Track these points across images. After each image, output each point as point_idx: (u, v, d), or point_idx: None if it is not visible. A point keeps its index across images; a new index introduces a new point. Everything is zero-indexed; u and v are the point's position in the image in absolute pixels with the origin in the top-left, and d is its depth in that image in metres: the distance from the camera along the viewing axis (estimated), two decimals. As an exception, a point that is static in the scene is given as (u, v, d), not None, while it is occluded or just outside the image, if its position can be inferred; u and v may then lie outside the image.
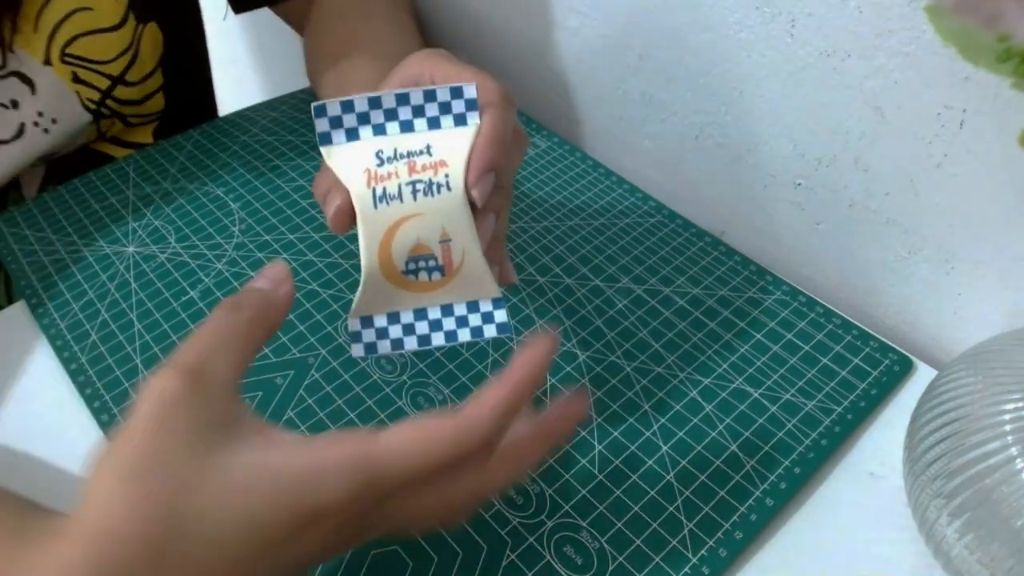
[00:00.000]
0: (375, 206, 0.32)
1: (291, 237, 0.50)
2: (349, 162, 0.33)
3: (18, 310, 0.47)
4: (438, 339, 0.33)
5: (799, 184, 0.49)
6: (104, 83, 0.55)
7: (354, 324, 0.34)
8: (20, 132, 0.52)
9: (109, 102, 0.56)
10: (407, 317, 0.34)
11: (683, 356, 0.44)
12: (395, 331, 0.34)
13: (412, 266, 0.33)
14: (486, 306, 0.34)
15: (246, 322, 0.29)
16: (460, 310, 0.34)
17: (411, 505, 0.28)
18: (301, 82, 0.65)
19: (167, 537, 0.25)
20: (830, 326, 0.46)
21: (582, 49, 0.57)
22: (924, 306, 0.47)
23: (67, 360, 0.43)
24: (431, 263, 0.33)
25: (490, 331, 0.34)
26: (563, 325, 0.45)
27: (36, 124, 0.53)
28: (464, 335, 0.34)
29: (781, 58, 0.45)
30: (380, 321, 0.34)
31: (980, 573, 0.31)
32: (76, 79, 0.54)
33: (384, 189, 0.32)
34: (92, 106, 0.56)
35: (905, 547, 0.37)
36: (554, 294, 0.47)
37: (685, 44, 0.50)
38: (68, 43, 0.52)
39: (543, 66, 0.62)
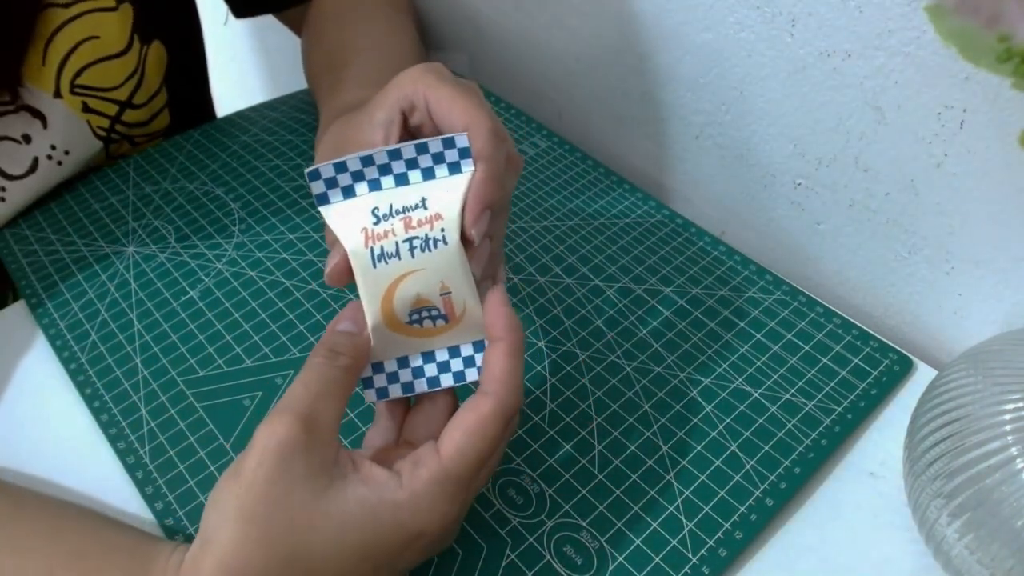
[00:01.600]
0: (374, 265, 0.33)
1: (291, 237, 0.50)
2: (346, 221, 0.33)
3: (18, 310, 0.47)
4: (447, 380, 0.34)
5: (799, 184, 0.49)
6: (113, 109, 0.55)
7: (365, 371, 0.34)
8: (34, 167, 0.51)
9: (118, 127, 0.56)
10: (416, 361, 0.34)
11: (683, 356, 0.44)
12: (405, 375, 0.34)
13: (415, 316, 0.34)
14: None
15: (344, 369, 0.31)
16: (467, 350, 0.34)
17: (484, 476, 0.33)
18: (302, 82, 0.65)
19: (288, 574, 0.28)
20: (830, 326, 0.46)
21: (582, 49, 0.57)
22: (924, 306, 0.47)
23: (67, 360, 0.43)
24: (434, 312, 0.34)
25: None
26: (563, 325, 0.45)
27: (49, 157, 0.52)
28: (472, 375, 0.34)
29: (781, 58, 0.45)
30: (390, 366, 0.34)
31: (980, 573, 0.31)
32: (86, 108, 0.53)
33: (382, 248, 0.33)
34: (103, 133, 0.55)
35: (905, 547, 0.37)
36: (554, 294, 0.47)
37: (685, 44, 0.50)
38: (77, 74, 0.52)
39: (543, 66, 0.62)
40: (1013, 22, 0.35)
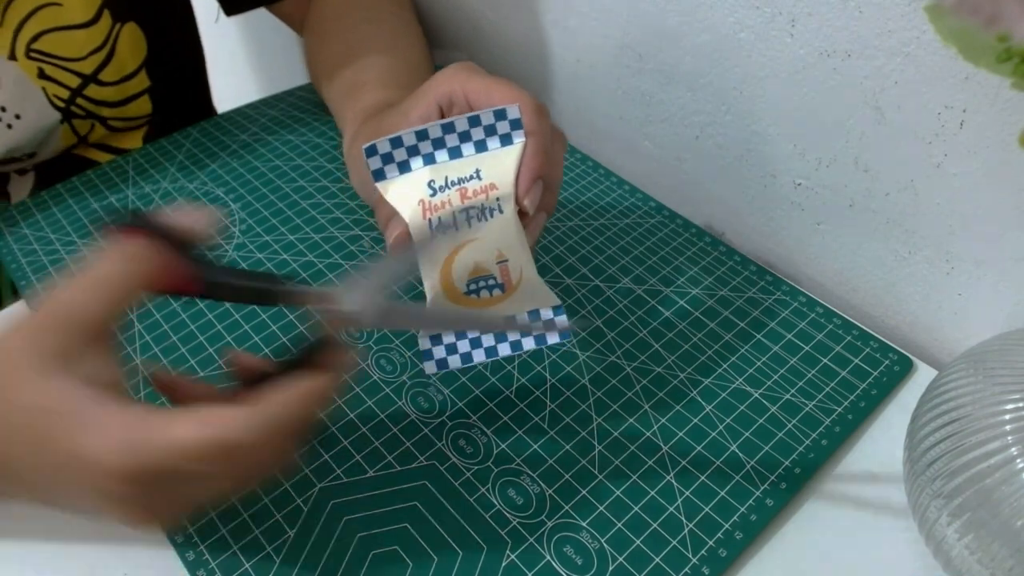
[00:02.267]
0: (432, 236, 0.34)
1: (291, 237, 0.50)
2: (404, 195, 0.34)
3: (18, 310, 0.47)
4: (504, 350, 0.35)
5: (799, 184, 0.49)
6: (74, 81, 0.55)
7: (424, 343, 0.35)
8: None
9: (81, 101, 0.56)
10: (474, 331, 0.35)
11: (683, 356, 0.44)
12: (463, 346, 0.35)
13: (473, 286, 0.35)
14: (547, 313, 0.35)
15: (124, 275, 0.30)
16: (522, 319, 0.35)
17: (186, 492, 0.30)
18: (299, 79, 0.65)
19: None
20: (830, 326, 0.46)
21: (582, 49, 0.57)
22: (924, 306, 0.47)
23: (67, 360, 0.43)
24: (491, 282, 0.35)
25: (553, 337, 0.35)
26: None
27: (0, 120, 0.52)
28: (528, 343, 0.35)
29: (781, 58, 0.45)
30: (448, 338, 0.35)
31: (980, 573, 0.31)
32: (42, 75, 0.53)
33: (439, 219, 0.34)
34: (60, 103, 0.55)
35: (905, 547, 0.37)
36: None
37: (685, 44, 0.50)
38: (34, 39, 0.51)
39: (543, 66, 0.62)
40: (1012, 22, 0.35)
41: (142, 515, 0.29)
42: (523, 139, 0.35)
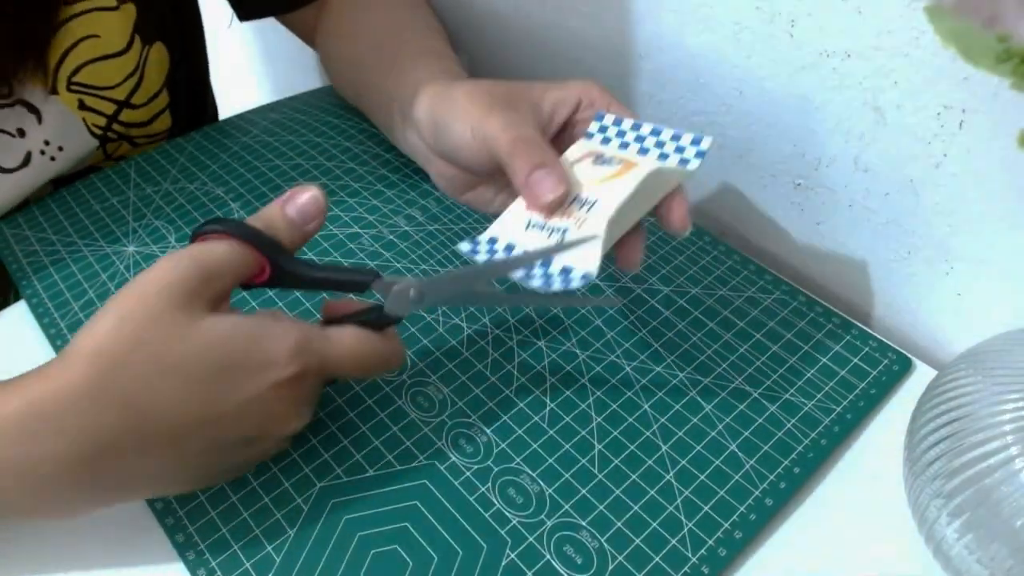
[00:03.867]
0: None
1: (291, 237, 0.50)
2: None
3: (18, 310, 0.47)
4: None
5: (799, 184, 0.49)
6: (110, 108, 0.55)
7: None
8: (27, 160, 0.51)
9: (115, 126, 0.56)
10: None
11: (683, 356, 0.44)
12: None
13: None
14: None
15: (234, 262, 0.34)
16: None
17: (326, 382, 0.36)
18: (303, 85, 0.65)
19: (146, 370, 0.31)
20: (830, 326, 0.46)
21: (582, 49, 0.57)
22: (924, 306, 0.47)
23: (67, 360, 0.43)
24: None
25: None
26: (563, 324, 0.45)
27: (43, 152, 0.52)
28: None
29: (781, 58, 0.45)
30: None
31: (980, 573, 0.31)
32: (83, 106, 0.53)
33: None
34: (99, 131, 0.55)
35: (905, 547, 0.37)
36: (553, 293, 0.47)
37: (685, 44, 0.50)
38: (75, 71, 0.52)
39: (542, 66, 0.62)
40: (1012, 22, 0.35)
41: (301, 403, 0.34)
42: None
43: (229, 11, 0.61)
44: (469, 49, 0.68)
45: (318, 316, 0.39)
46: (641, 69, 0.54)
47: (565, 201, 0.37)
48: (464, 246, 0.37)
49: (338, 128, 0.60)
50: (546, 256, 0.35)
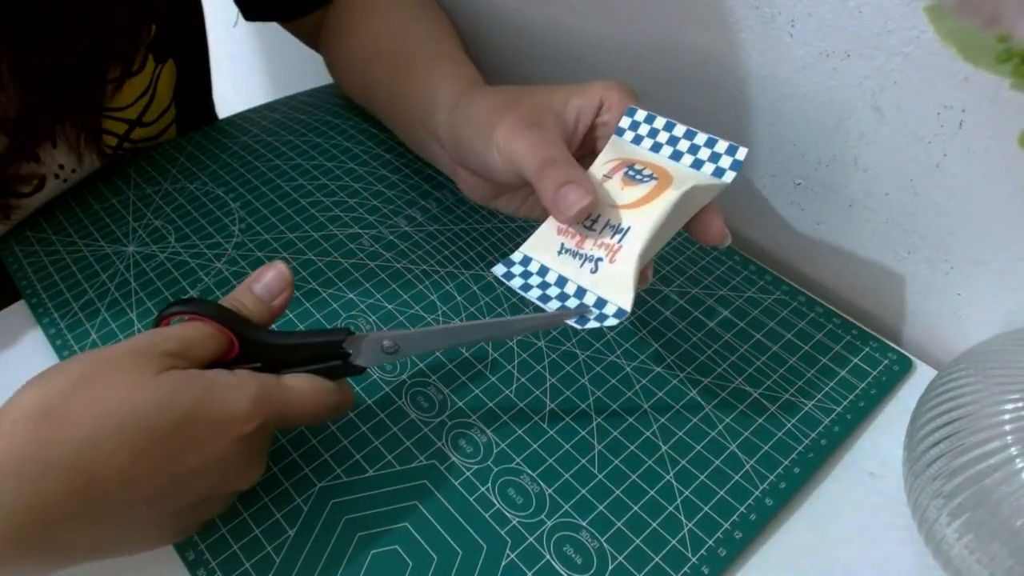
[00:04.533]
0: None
1: (291, 236, 0.50)
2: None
3: (18, 310, 0.47)
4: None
5: (799, 184, 0.49)
6: (122, 128, 0.54)
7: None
8: (41, 185, 0.51)
9: (126, 144, 0.55)
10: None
11: (683, 356, 0.44)
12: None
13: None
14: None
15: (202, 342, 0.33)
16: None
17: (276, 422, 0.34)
18: (303, 84, 0.65)
19: (104, 429, 0.29)
20: (830, 326, 0.46)
21: (582, 50, 0.57)
22: (924, 306, 0.47)
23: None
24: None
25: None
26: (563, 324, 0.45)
27: (56, 176, 0.52)
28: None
29: (781, 58, 0.45)
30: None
31: (980, 573, 0.31)
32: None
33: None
34: (109, 151, 0.55)
35: (905, 547, 0.37)
36: (554, 294, 0.47)
37: (685, 44, 0.50)
38: None
39: (543, 67, 0.62)
40: (1013, 22, 0.35)
41: (260, 454, 0.34)
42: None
43: (234, 10, 0.61)
44: (469, 49, 0.68)
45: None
46: (641, 69, 0.54)
47: (593, 213, 0.36)
48: (499, 269, 0.36)
49: (338, 128, 0.60)
50: (543, 322, 0.35)
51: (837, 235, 0.49)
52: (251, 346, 0.35)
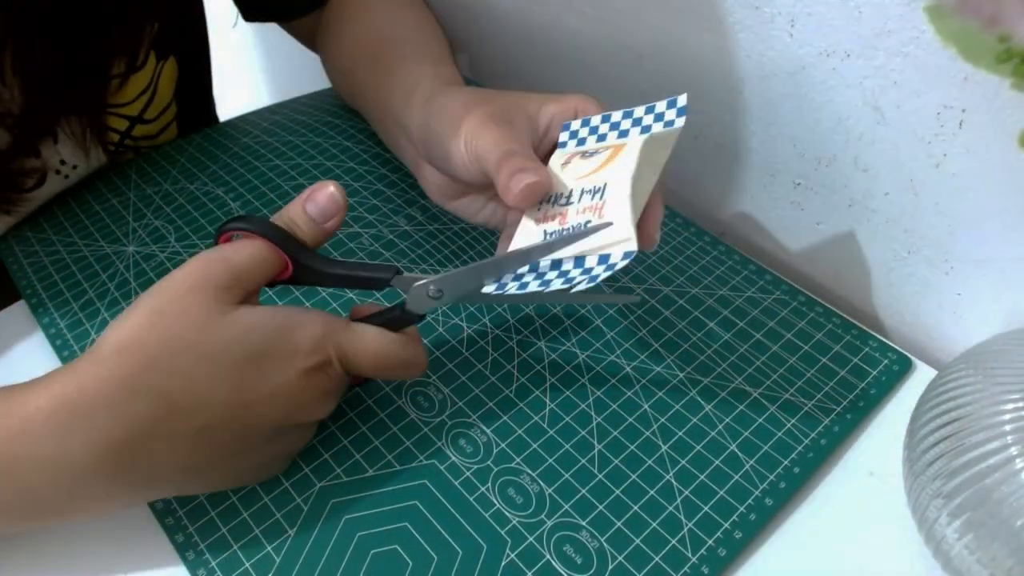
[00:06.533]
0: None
1: (291, 237, 0.50)
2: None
3: (18, 310, 0.47)
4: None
5: (799, 184, 0.49)
6: (123, 124, 0.54)
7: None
8: (42, 180, 0.51)
9: (127, 141, 0.56)
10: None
11: (683, 356, 0.44)
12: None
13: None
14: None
15: (262, 259, 0.35)
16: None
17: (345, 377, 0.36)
18: (303, 87, 0.65)
19: (178, 363, 0.32)
20: (829, 325, 0.46)
21: (581, 49, 0.57)
22: (924, 306, 0.47)
23: (67, 360, 0.43)
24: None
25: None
26: (563, 324, 0.45)
27: (58, 172, 0.52)
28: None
29: (781, 58, 0.45)
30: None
31: (980, 573, 0.31)
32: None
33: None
34: (112, 148, 0.55)
35: (905, 547, 0.37)
36: (554, 294, 0.47)
37: (685, 44, 0.50)
38: None
39: (543, 66, 0.62)
40: (1013, 22, 0.35)
41: (327, 392, 0.35)
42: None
43: (234, 11, 0.61)
44: (469, 49, 0.68)
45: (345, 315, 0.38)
46: (641, 69, 0.54)
47: (544, 193, 0.36)
48: (489, 288, 0.36)
49: (338, 128, 0.60)
50: (572, 243, 0.34)
51: (837, 235, 0.49)
52: (304, 270, 0.36)
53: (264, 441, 0.35)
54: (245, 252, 0.34)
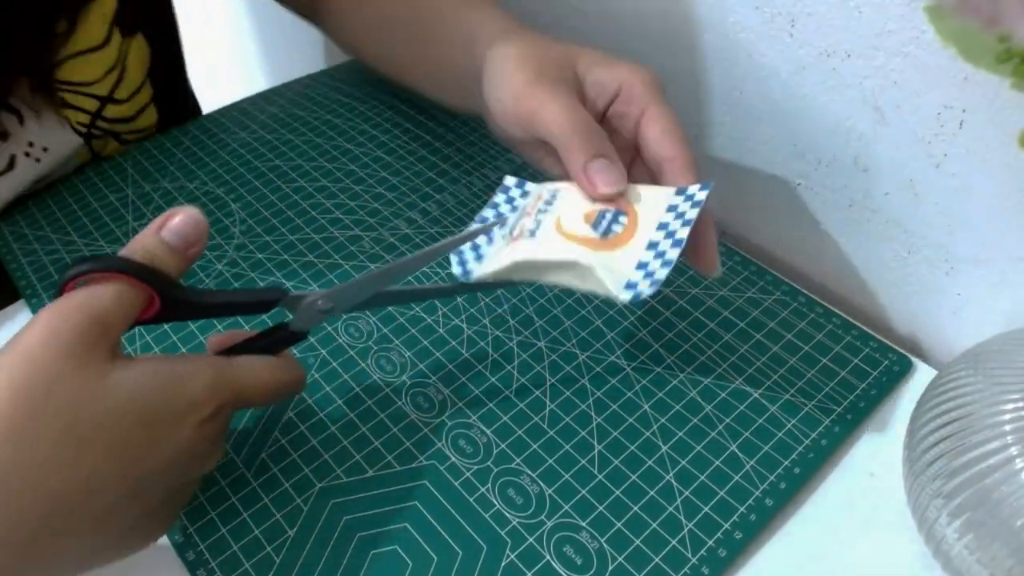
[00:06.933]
0: (533, 235, 0.37)
1: (291, 238, 0.50)
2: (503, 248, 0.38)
3: (18, 310, 0.47)
4: (674, 252, 0.34)
5: (799, 184, 0.49)
6: (93, 105, 0.54)
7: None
8: (11, 164, 0.50)
9: (99, 123, 0.55)
10: (647, 255, 0.35)
11: (683, 356, 0.44)
12: (654, 265, 0.34)
13: (601, 227, 0.35)
14: (695, 189, 0.35)
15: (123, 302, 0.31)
16: (667, 217, 0.35)
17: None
18: (289, 69, 0.65)
19: (63, 444, 0.28)
20: (830, 326, 0.46)
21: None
22: (924, 306, 0.47)
23: (67, 360, 0.43)
24: (607, 214, 0.36)
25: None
26: (563, 325, 0.45)
27: (27, 155, 0.51)
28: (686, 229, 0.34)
29: (781, 58, 0.45)
30: (636, 276, 0.35)
31: (980, 573, 0.31)
32: (64, 104, 0.52)
33: (525, 227, 0.38)
34: (83, 129, 0.54)
35: (905, 547, 0.37)
36: (554, 294, 0.47)
37: (685, 44, 0.50)
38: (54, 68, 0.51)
39: (543, 66, 0.62)
40: (1013, 22, 0.35)
41: (220, 438, 0.33)
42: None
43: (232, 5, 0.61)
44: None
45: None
46: (641, 69, 0.54)
47: (624, 184, 0.36)
48: (456, 269, 0.38)
49: (339, 129, 0.60)
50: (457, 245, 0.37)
51: (837, 235, 0.49)
52: (174, 305, 0.32)
53: (160, 505, 0.32)
54: (106, 295, 0.30)
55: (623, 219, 0.36)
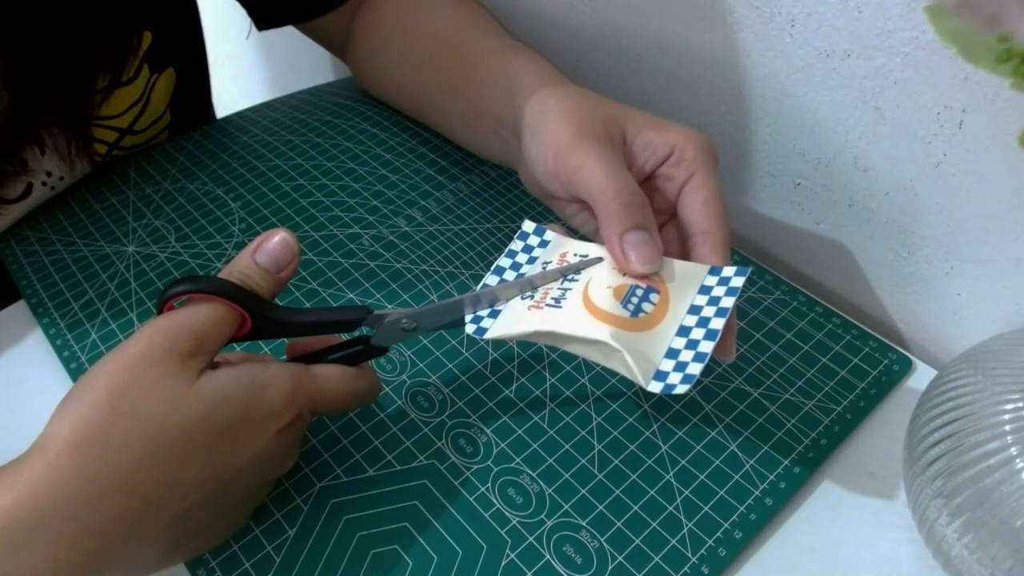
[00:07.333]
0: (558, 304, 0.36)
1: (291, 237, 0.50)
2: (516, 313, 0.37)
3: (18, 310, 0.47)
4: (711, 335, 0.33)
5: (799, 184, 0.49)
6: (112, 136, 0.54)
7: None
8: (27, 191, 0.50)
9: (115, 151, 0.55)
10: (679, 342, 0.33)
11: (683, 356, 0.44)
12: (685, 355, 0.33)
13: (630, 306, 0.34)
14: (730, 272, 0.34)
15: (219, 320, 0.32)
16: (700, 300, 0.34)
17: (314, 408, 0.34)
18: (299, 83, 0.65)
19: (148, 448, 0.29)
20: (829, 326, 0.46)
21: (582, 49, 0.57)
22: (924, 306, 0.47)
23: (67, 360, 0.43)
24: (638, 291, 0.35)
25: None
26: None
27: (44, 183, 0.51)
28: (722, 316, 0.34)
29: (781, 58, 0.45)
30: (667, 365, 0.33)
31: (980, 573, 0.31)
32: (88, 138, 0.52)
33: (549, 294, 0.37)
34: (99, 159, 0.54)
35: (905, 547, 0.37)
36: (554, 294, 0.47)
37: (685, 44, 0.50)
38: None
39: (543, 66, 0.62)
40: (1013, 22, 0.35)
41: (296, 443, 0.34)
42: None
43: (231, 11, 0.61)
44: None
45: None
46: (641, 69, 0.54)
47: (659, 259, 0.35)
48: (469, 327, 0.36)
49: (338, 128, 0.60)
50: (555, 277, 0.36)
51: (837, 235, 0.49)
52: (265, 323, 0.33)
53: (239, 505, 0.34)
54: (204, 314, 0.31)
55: (654, 297, 0.34)
